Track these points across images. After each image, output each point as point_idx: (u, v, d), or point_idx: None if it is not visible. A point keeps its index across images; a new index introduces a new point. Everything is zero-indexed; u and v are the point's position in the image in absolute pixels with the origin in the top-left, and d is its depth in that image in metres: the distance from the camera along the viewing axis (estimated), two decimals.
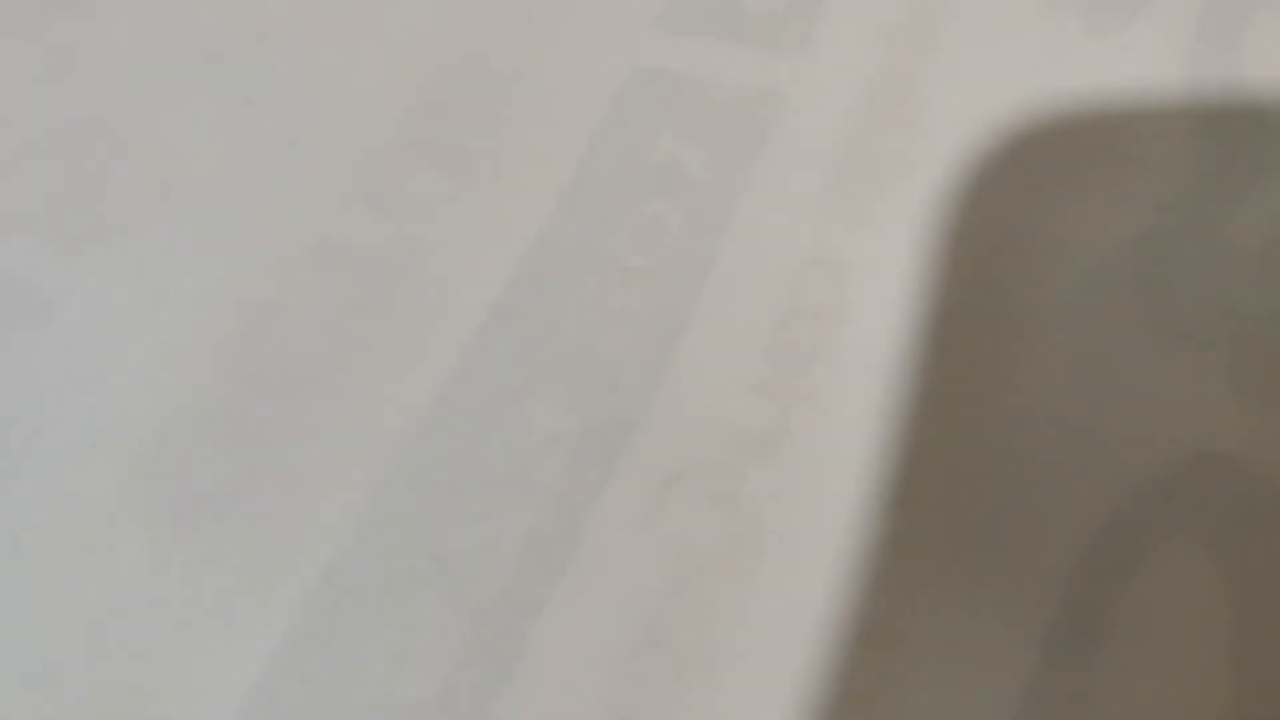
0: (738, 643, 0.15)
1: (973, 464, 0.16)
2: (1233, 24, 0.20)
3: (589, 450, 0.17)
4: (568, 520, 0.16)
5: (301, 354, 0.18)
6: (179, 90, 0.20)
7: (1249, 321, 0.17)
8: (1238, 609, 0.15)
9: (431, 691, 0.15)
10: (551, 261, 0.18)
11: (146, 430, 0.17)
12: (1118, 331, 0.17)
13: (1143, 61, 0.20)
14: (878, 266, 0.18)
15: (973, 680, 0.15)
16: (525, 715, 0.15)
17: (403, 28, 0.21)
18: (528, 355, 0.18)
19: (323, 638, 0.15)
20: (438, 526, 0.16)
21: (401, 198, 0.19)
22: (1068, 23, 0.21)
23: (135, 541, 0.16)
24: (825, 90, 0.20)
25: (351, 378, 0.17)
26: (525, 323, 0.18)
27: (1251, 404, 0.16)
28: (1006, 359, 0.17)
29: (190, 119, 0.20)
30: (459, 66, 0.20)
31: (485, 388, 0.17)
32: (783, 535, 0.16)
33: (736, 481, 0.16)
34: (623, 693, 0.15)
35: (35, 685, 0.15)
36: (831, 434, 0.17)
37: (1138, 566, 0.15)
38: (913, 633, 0.15)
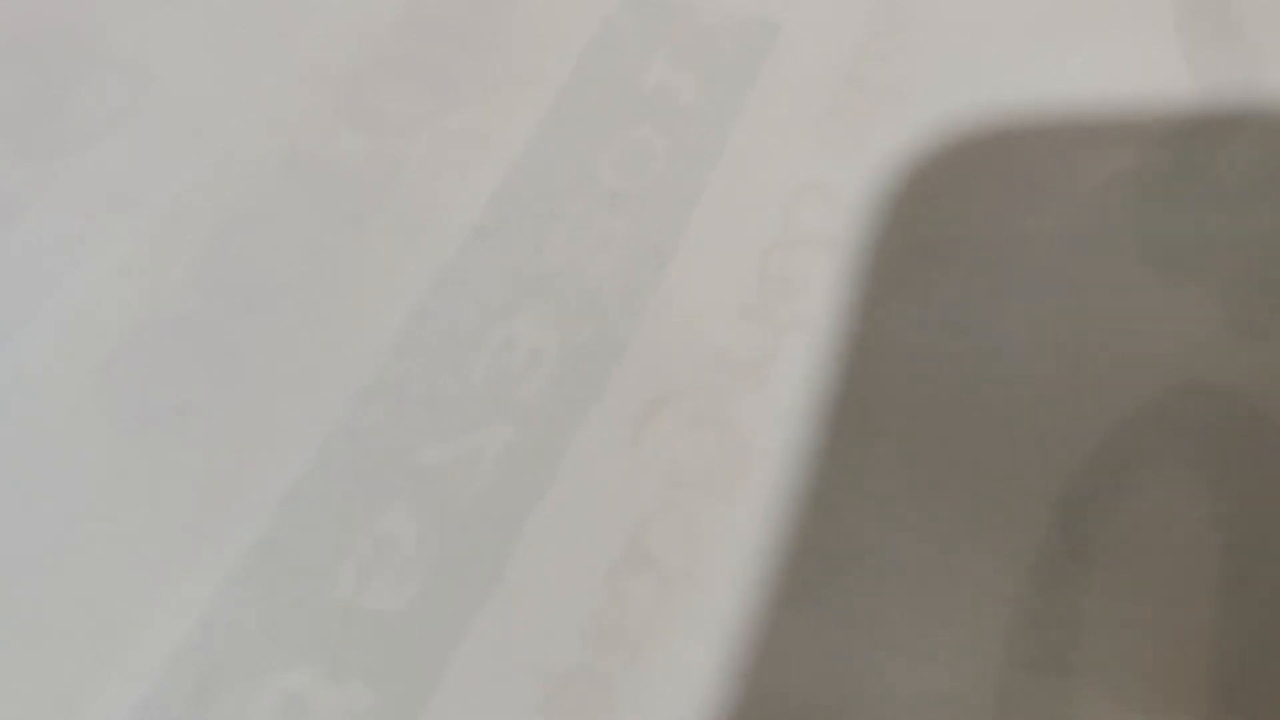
0: (723, 562, 0.15)
1: (963, 389, 0.16)
2: None
3: (573, 370, 0.16)
4: (550, 439, 0.16)
5: (273, 266, 0.17)
6: (154, 1, 0.20)
7: (1241, 253, 0.17)
8: (1226, 534, 0.15)
9: (401, 604, 0.14)
10: (534, 183, 0.18)
11: (109, 339, 0.16)
12: (1111, 261, 0.17)
13: (1136, 10, 0.20)
14: (868, 195, 0.18)
15: (962, 604, 0.14)
16: (503, 629, 0.14)
17: None
18: (509, 275, 0.17)
19: (288, 549, 0.15)
20: (413, 440, 0.15)
21: (382, 114, 0.18)
22: None
23: (94, 449, 0.15)
24: (819, 20, 0.20)
25: (326, 291, 0.17)
26: (507, 243, 0.17)
27: (1243, 333, 0.16)
28: (1000, 286, 0.17)
29: (164, 31, 0.19)
30: None
31: (465, 305, 0.17)
32: (769, 458, 0.15)
33: (724, 405, 0.16)
34: (605, 610, 0.14)
35: None
36: (819, 359, 0.16)
37: (1128, 491, 0.15)
38: (901, 557, 0.15)
